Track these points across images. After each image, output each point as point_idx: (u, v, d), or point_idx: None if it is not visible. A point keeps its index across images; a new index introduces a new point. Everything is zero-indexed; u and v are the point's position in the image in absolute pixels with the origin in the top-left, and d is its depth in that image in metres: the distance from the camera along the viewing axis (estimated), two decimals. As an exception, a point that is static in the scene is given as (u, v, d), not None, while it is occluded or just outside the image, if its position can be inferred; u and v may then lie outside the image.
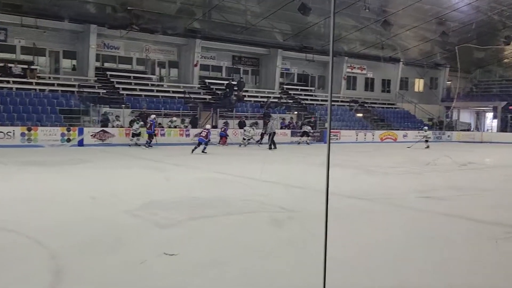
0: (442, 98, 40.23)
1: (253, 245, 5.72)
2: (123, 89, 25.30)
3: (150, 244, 5.63)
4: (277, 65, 31.45)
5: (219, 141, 23.26)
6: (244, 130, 24.07)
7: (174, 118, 24.06)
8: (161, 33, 26.27)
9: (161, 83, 28.32)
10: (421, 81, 39.66)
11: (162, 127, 23.16)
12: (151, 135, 20.91)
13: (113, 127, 22.04)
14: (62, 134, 20.27)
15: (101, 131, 21.27)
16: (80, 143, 20.52)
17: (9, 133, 19.08)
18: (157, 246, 5.47)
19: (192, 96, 27.05)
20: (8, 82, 21.99)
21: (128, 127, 22.10)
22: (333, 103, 32.03)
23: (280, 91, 31.83)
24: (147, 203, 7.94)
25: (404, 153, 21.89)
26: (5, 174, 11.72)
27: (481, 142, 33.29)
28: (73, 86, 23.93)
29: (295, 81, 34.17)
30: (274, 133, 22.83)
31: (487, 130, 39.22)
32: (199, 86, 28.81)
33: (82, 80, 24.66)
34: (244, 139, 23.66)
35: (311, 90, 34.20)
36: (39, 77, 23.62)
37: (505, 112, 36.93)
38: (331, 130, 28.83)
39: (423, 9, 28.21)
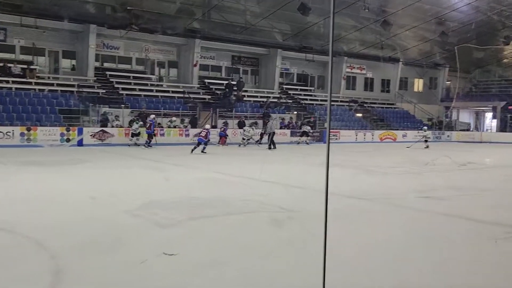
0: (442, 98, 40.20)
1: (253, 245, 5.72)
2: (123, 89, 25.26)
3: (150, 244, 5.62)
4: (276, 65, 31.42)
5: (219, 141, 23.23)
6: (244, 130, 24.04)
7: (174, 118, 24.02)
8: (160, 33, 26.22)
9: (161, 83, 28.28)
10: (421, 81, 39.65)
11: (162, 127, 23.13)
12: (150, 135, 20.88)
13: (112, 127, 22.00)
14: (62, 134, 20.24)
15: (100, 131, 21.24)
16: (80, 143, 20.48)
17: (8, 133, 19.03)
18: (157, 246, 5.46)
19: (192, 96, 27.01)
20: (7, 82, 21.94)
21: (128, 127, 22.06)
22: (332, 103, 32.65)
23: (279, 91, 31.79)
24: (146, 203, 7.93)
25: (404, 153, 21.86)
26: (5, 174, 11.69)
27: (481, 142, 33.23)
28: (73, 86, 23.89)
29: (295, 81, 34.15)
30: (274, 133, 22.79)
31: (487, 130, 39.10)
32: (198, 86, 28.76)
33: (81, 80, 24.61)
34: (243, 139, 23.63)
35: (310, 90, 34.17)
36: (38, 77, 23.57)
37: (504, 112, 36.87)
38: (331, 130, 28.86)
39: (422, 9, 28.19)
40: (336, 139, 28.24)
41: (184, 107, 25.73)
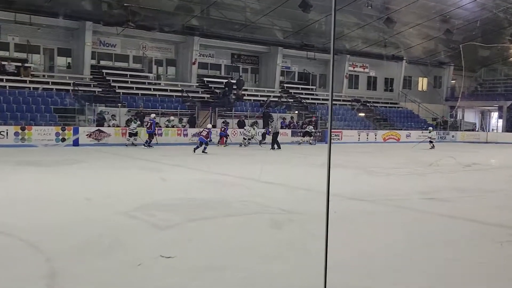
0: (446, 98, 40.00)
1: (253, 247, 5.69)
2: (119, 87, 25.00)
3: (147, 246, 5.58)
4: (277, 63, 31.10)
5: (218, 141, 22.95)
6: (244, 130, 23.78)
7: (172, 118, 23.75)
8: (158, 31, 25.99)
9: (158, 82, 28.01)
10: (425, 80, 39.33)
11: (160, 126, 22.88)
12: (151, 135, 20.75)
13: (109, 126, 21.78)
14: (57, 134, 20.03)
15: (96, 130, 21.02)
16: (75, 143, 20.26)
17: (2, 133, 18.84)
18: (154, 248, 5.44)
19: (190, 95, 26.70)
20: (1, 80, 21.69)
21: (125, 126, 21.89)
22: (334, 102, 32.41)
23: (280, 90, 31.51)
24: (144, 204, 7.92)
25: (407, 153, 21.79)
26: (-1, 174, 11.65)
27: (486, 143, 33.11)
28: (68, 84, 23.64)
29: (296, 80, 33.86)
30: (278, 133, 22.53)
31: (492, 130, 39.07)
32: (197, 84, 28.52)
33: (77, 78, 24.36)
34: (244, 139, 23.39)
35: (312, 89, 33.86)
36: (33, 75, 23.30)
37: (510, 112, 36.73)
38: (333, 130, 28.93)
39: (427, 6, 28.04)
40: (338, 139, 28.10)
41: (182, 106, 25.50)
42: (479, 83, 41.51)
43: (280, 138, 22.60)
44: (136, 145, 20.75)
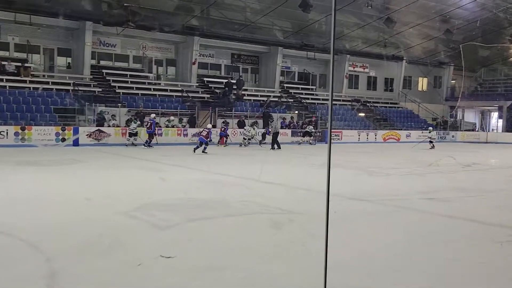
0: (446, 97, 39.96)
1: (253, 247, 5.68)
2: (119, 87, 24.96)
3: (147, 246, 5.56)
4: (277, 63, 31.06)
5: (218, 141, 22.92)
6: (245, 130, 23.76)
7: (172, 118, 23.73)
8: (158, 30, 25.93)
9: (158, 82, 27.97)
10: (425, 79, 39.29)
11: (160, 126, 22.85)
12: (151, 135, 20.70)
13: (109, 126, 21.74)
14: (57, 134, 20.00)
15: (96, 130, 20.99)
16: (75, 143, 20.23)
17: (2, 133, 18.80)
18: (154, 248, 5.42)
19: (190, 95, 26.66)
20: (1, 80, 21.66)
21: (125, 126, 21.85)
22: (334, 102, 32.37)
23: (280, 90, 31.46)
24: (144, 204, 7.89)
25: (407, 153, 21.76)
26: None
27: (486, 143, 33.07)
28: (68, 84, 23.60)
29: (296, 80, 33.80)
30: (278, 133, 22.49)
31: (492, 130, 39.01)
32: (197, 84, 28.48)
33: (77, 78, 24.32)
34: (244, 139, 23.36)
35: (312, 89, 33.81)
36: (33, 75, 23.26)
37: (510, 112, 36.68)
38: (333, 130, 28.90)
39: (427, 6, 28.01)
40: (338, 139, 28.06)
41: (182, 106, 25.46)
42: (479, 83, 41.46)
43: (280, 138, 22.58)
44: (136, 145, 20.72)
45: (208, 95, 27.50)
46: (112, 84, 25.08)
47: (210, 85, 28.72)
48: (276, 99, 29.69)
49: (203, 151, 18.14)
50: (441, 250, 5.76)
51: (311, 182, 10.72)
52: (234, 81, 28.56)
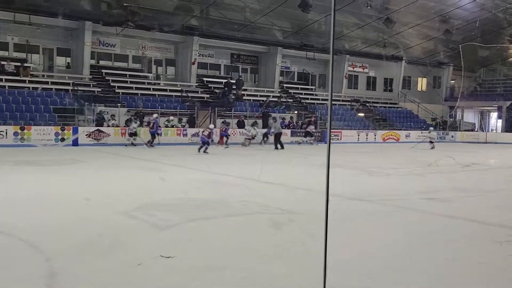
0: (446, 98, 40.00)
1: (253, 247, 5.66)
2: (119, 87, 24.96)
3: (147, 247, 5.55)
4: (276, 63, 31.08)
5: (218, 141, 22.90)
6: (245, 130, 23.76)
7: (171, 117, 23.74)
8: (157, 30, 25.93)
9: (158, 82, 27.98)
10: (424, 80, 39.31)
11: (160, 126, 22.79)
12: (153, 135, 20.69)
13: (108, 126, 21.73)
14: (56, 134, 19.99)
15: (96, 130, 20.98)
16: (75, 143, 20.22)
17: (1, 133, 18.80)
18: (154, 248, 5.41)
19: (190, 95, 26.66)
20: (0, 80, 21.66)
21: (124, 126, 21.84)
22: (334, 103, 32.34)
23: (279, 90, 31.47)
24: (143, 204, 7.88)
25: (407, 153, 21.74)
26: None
27: (485, 143, 33.07)
28: (67, 84, 23.60)
29: (295, 80, 33.80)
30: (281, 133, 22.43)
31: (492, 130, 39.06)
32: (196, 84, 28.47)
33: (76, 78, 24.33)
34: (245, 139, 23.35)
35: (311, 89, 33.83)
36: (32, 75, 23.27)
37: (510, 112, 36.73)
38: (332, 130, 28.85)
39: (426, 6, 28.01)
40: (338, 139, 28.06)
41: (182, 106, 25.46)
42: (479, 83, 41.49)
43: (280, 138, 22.54)
44: (135, 145, 20.68)
45: (208, 95, 27.50)
46: (112, 84, 25.07)
47: (209, 85, 28.72)
48: (276, 99, 29.70)
49: (204, 151, 18.19)
50: (441, 250, 5.75)
51: (311, 182, 10.71)
52: (234, 81, 28.54)
